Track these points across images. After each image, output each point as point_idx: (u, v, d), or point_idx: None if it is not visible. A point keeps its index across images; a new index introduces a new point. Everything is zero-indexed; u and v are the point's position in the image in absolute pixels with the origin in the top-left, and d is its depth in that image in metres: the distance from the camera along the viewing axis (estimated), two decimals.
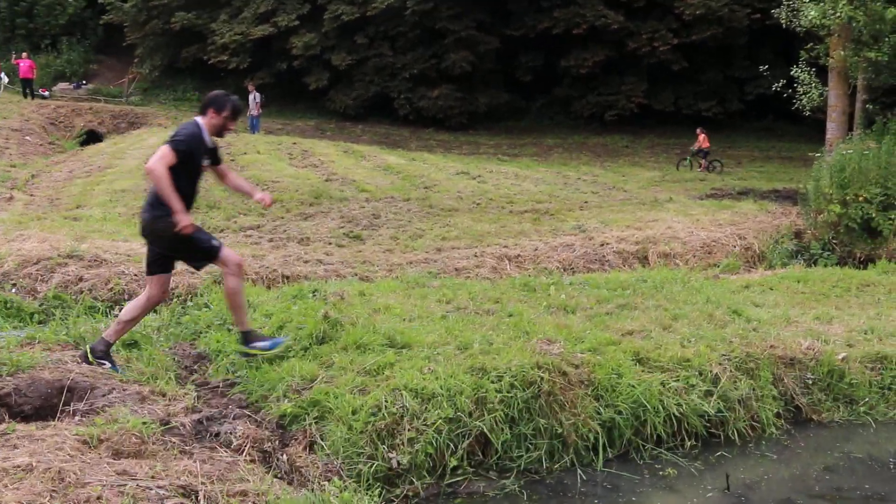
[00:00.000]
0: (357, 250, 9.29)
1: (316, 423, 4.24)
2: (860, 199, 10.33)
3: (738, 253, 10.17)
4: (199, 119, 4.91)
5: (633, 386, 4.69)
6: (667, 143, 25.15)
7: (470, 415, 4.27)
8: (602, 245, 9.75)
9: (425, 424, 4.16)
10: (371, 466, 3.97)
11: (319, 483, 3.78)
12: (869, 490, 4.28)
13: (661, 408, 4.68)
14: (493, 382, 4.45)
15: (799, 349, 5.52)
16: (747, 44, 26.64)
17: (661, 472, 4.45)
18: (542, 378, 4.53)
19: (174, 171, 4.61)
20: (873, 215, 10.23)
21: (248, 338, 5.00)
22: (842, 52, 13.77)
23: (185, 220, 4.60)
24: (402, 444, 4.09)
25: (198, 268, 5.47)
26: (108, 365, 4.76)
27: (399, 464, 4.03)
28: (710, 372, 5.02)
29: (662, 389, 4.77)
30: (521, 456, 4.35)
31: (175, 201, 4.58)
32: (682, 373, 4.94)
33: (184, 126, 4.96)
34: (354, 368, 4.65)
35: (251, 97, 21.19)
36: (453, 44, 26.81)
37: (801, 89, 15.03)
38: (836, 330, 6.12)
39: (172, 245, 4.77)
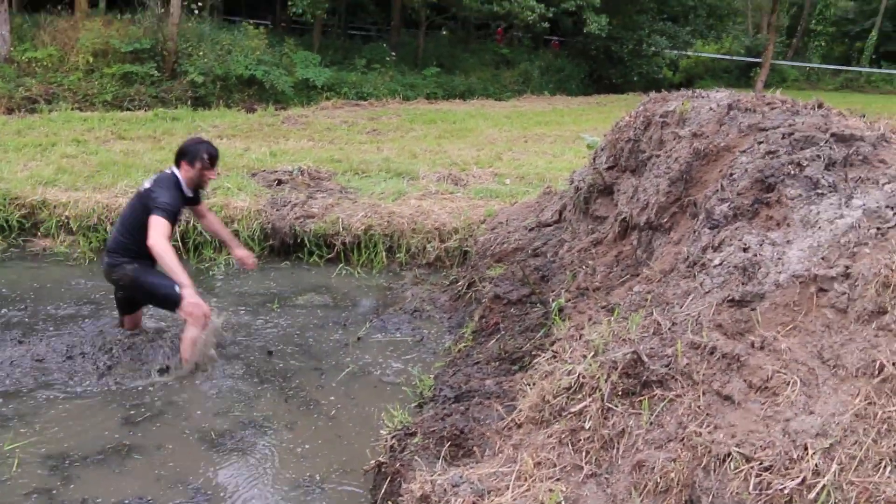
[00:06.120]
0: None
1: None
2: None
3: None
4: (175, 170, 5.09)
5: None
6: None
7: None
8: None
9: None
10: None
11: None
12: None
13: None
14: None
15: None
16: None
17: None
18: None
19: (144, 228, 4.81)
20: None
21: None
22: None
23: (191, 295, 4.78)
24: None
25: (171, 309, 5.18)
26: None
27: None
28: None
29: None
30: None
31: (181, 274, 4.74)
32: None
33: (163, 184, 5.00)
34: None
35: None
36: None
37: None
38: None
39: (132, 291, 5.17)
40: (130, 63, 16.25)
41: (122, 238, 5.04)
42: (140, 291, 5.12)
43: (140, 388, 4.83)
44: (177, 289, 4.87)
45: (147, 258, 4.92)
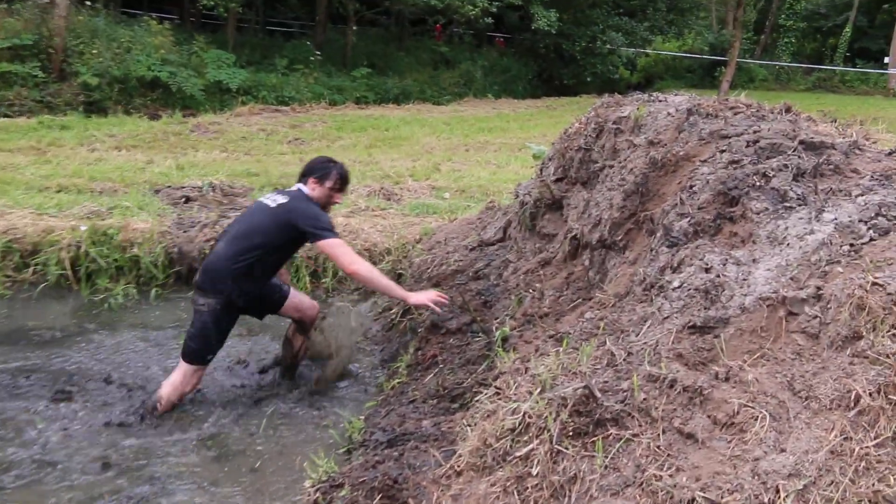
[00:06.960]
0: None
1: None
2: None
3: None
4: (303, 188, 5.16)
5: None
6: None
7: None
8: None
9: None
10: None
11: None
12: None
13: None
14: None
15: None
16: None
17: None
18: None
19: (281, 247, 5.05)
20: None
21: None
22: None
23: (420, 298, 4.96)
24: None
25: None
26: None
27: None
28: None
29: None
30: None
31: (397, 289, 5.06)
32: None
33: (304, 200, 5.06)
34: None
35: None
36: None
37: None
38: None
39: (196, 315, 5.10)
40: (8, 61, 15.89)
41: (243, 254, 4.92)
42: (197, 321, 5.05)
43: (6, 440, 4.64)
44: (208, 357, 5.12)
45: (248, 292, 5.04)
